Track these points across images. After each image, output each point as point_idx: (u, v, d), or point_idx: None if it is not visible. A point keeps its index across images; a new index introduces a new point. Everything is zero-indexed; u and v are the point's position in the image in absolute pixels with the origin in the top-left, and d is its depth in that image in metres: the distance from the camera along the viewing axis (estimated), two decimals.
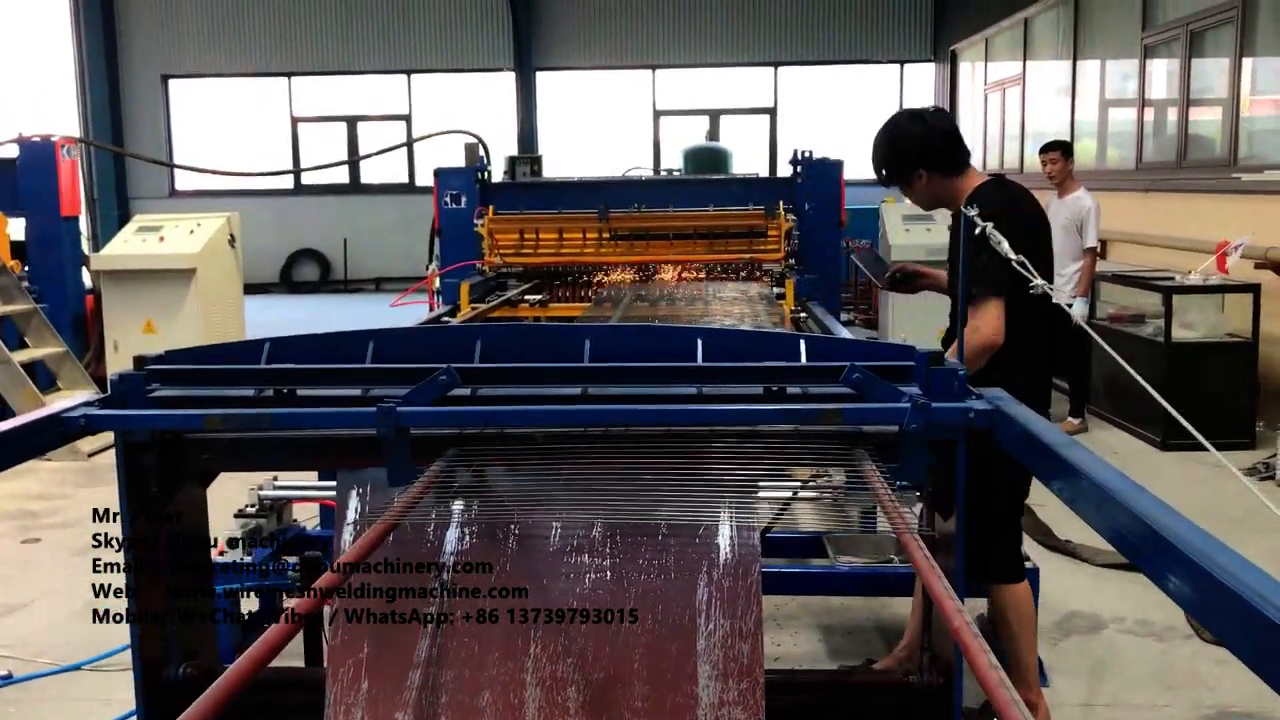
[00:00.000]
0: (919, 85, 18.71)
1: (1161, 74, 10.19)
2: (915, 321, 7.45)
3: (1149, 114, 10.38)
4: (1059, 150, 7.61)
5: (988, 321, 3.13)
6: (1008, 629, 3.45)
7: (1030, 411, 2.02)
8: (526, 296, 5.88)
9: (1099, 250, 7.88)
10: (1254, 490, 1.94)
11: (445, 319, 5.33)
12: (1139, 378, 2.75)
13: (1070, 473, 1.80)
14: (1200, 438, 2.14)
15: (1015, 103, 14.10)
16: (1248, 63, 8.41)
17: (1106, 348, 2.99)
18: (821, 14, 18.39)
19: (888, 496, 1.98)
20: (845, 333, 4.74)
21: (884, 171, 3.44)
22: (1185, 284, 7.36)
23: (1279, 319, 7.26)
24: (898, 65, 18.70)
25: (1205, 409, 6.54)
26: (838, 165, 7.11)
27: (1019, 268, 2.72)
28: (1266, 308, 7.10)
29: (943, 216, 7.80)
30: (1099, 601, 4.50)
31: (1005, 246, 2.74)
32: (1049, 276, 3.27)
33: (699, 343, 2.46)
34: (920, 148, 3.34)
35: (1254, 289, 7.09)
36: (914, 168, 3.34)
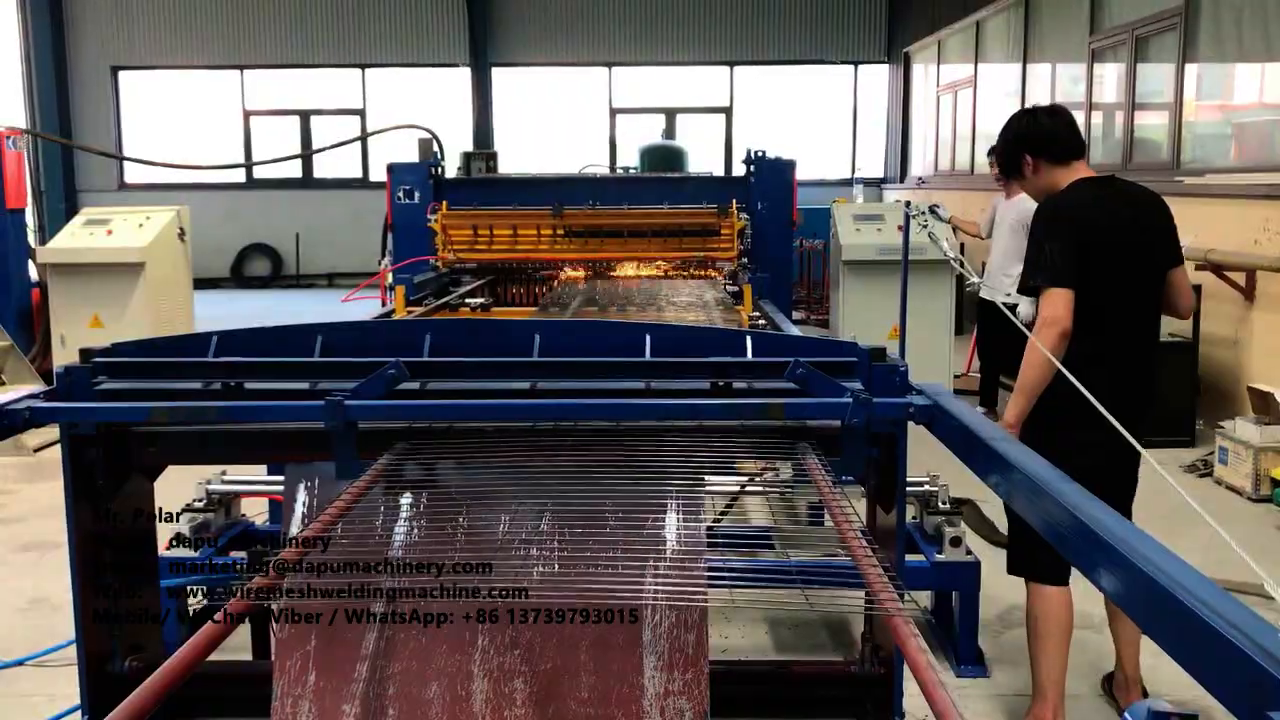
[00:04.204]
0: (873, 86, 18.88)
1: (1108, 78, 10.37)
2: (865, 321, 7.53)
3: (1096, 117, 10.55)
4: None
5: (1049, 309, 3.20)
6: (1029, 632, 3.39)
7: (967, 406, 2.07)
8: (467, 300, 5.77)
9: None
10: (1177, 487, 2.00)
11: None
12: (1073, 379, 2.81)
13: (1004, 467, 1.85)
14: (1130, 437, 2.20)
15: (967, 104, 14.27)
16: (1191, 68, 8.58)
17: (1045, 351, 3.04)
18: (777, 15, 18.49)
19: (830, 490, 2.01)
20: (795, 331, 4.79)
21: (1001, 163, 3.62)
22: None
23: (1219, 320, 7.43)
24: (852, 66, 18.84)
25: None
26: (790, 165, 7.17)
27: (955, 265, 2.78)
28: (1206, 308, 7.25)
29: (893, 217, 7.93)
30: None
31: (945, 245, 2.80)
32: (1122, 283, 3.30)
33: (647, 338, 2.49)
34: (1026, 135, 3.51)
35: (1195, 290, 7.24)
36: (1020, 154, 3.50)
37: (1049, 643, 3.33)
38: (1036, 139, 3.48)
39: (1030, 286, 3.33)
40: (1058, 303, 3.19)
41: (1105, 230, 3.31)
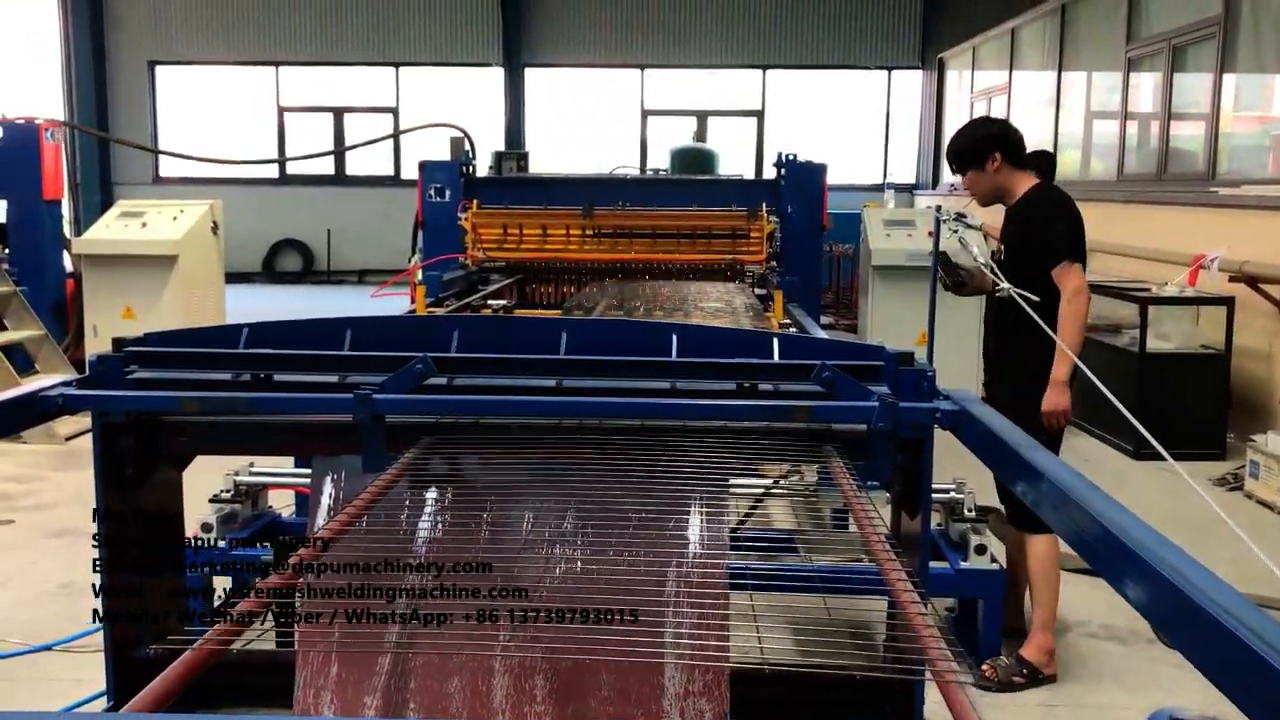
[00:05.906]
0: (906, 92, 18.80)
1: (1144, 87, 10.28)
2: (893, 327, 7.50)
3: (1131, 126, 10.46)
4: None
5: (1076, 280, 3.71)
6: (1032, 577, 3.94)
7: (995, 412, 2.06)
8: (490, 301, 5.74)
9: None
10: (1209, 500, 1.98)
11: None
12: (1106, 390, 2.79)
13: (1032, 474, 1.84)
14: (1159, 447, 2.18)
15: (1001, 112, 14.17)
16: (1229, 79, 8.50)
17: (1076, 360, 3.03)
18: (810, 18, 18.45)
19: (855, 494, 2.01)
20: (822, 334, 4.78)
21: (962, 153, 4.04)
22: (1161, 295, 7.44)
23: (1252, 332, 7.35)
24: (885, 71, 18.78)
25: (1178, 420, 6.61)
26: (821, 169, 7.15)
27: (986, 270, 2.79)
28: (1240, 320, 7.17)
29: (924, 222, 7.89)
30: (1063, 606, 4.54)
31: (975, 250, 2.80)
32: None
33: (674, 338, 2.49)
34: (1000, 134, 4.05)
35: (1228, 302, 7.17)
36: (991, 150, 3.96)
37: (1044, 584, 3.89)
38: (1010, 142, 4.00)
39: (1038, 270, 3.71)
40: (1079, 273, 3.75)
41: (1079, 222, 3.92)
